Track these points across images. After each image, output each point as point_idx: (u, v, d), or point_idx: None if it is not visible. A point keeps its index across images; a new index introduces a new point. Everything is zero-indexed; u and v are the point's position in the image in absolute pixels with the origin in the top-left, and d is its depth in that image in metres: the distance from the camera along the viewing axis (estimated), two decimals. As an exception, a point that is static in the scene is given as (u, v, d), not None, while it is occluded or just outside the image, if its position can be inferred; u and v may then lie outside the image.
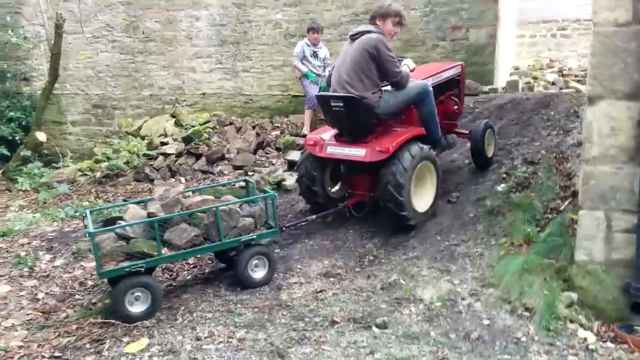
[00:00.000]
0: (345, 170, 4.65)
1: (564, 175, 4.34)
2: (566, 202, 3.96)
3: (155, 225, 3.27)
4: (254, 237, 3.63)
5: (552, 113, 5.69)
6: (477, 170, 4.97)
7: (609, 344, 2.87)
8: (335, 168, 4.69)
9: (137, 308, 3.25)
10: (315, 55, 7.03)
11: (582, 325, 3.02)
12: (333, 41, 8.03)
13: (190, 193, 3.93)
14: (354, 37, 4.22)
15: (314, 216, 4.38)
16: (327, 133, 4.53)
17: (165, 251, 3.35)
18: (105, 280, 3.59)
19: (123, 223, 3.40)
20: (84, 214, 3.55)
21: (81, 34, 9.13)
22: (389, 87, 4.33)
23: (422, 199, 4.31)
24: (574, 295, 3.15)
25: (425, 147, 4.22)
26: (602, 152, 2.99)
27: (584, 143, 3.12)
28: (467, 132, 5.03)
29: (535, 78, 9.22)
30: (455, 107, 5.01)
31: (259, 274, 3.66)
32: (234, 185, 4.48)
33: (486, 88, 7.16)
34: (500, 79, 7.99)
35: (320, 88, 6.95)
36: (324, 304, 3.36)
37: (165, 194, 3.63)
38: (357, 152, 4.17)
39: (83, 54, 9.37)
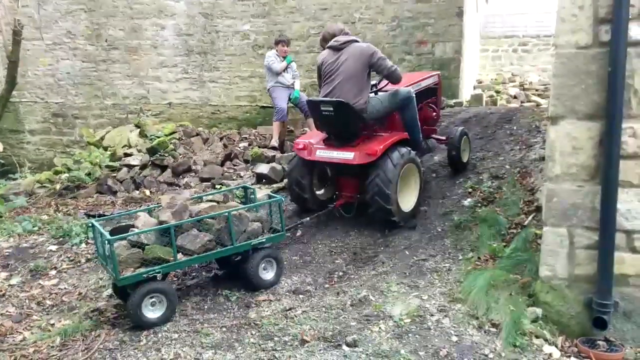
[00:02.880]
0: (333, 173, 4.84)
1: (527, 190, 4.46)
2: (530, 217, 4.06)
3: (171, 231, 3.36)
4: (264, 240, 3.76)
5: (514, 128, 5.86)
6: (444, 183, 5.06)
7: (572, 358, 2.93)
8: (323, 171, 4.88)
9: (153, 314, 3.31)
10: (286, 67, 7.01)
11: (546, 341, 3.07)
12: (302, 53, 8.06)
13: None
14: (339, 48, 4.42)
15: (308, 218, 4.54)
16: (315, 137, 4.71)
17: (180, 257, 3.43)
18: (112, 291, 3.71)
19: (136, 230, 3.42)
20: (91, 224, 3.54)
21: (40, 40, 8.84)
22: (373, 95, 4.61)
23: (407, 200, 4.51)
24: (539, 311, 3.20)
25: (409, 150, 4.43)
26: (564, 170, 3.07)
27: (546, 161, 3.20)
28: (444, 138, 5.29)
29: (498, 92, 9.52)
30: (434, 113, 5.33)
31: (268, 275, 3.79)
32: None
33: (451, 102, 7.32)
34: (465, 93, 8.19)
35: (289, 99, 6.94)
36: (293, 322, 3.31)
37: (173, 202, 3.65)
38: (346, 155, 4.36)
39: (42, 62, 9.07)
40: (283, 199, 4.00)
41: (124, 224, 3.66)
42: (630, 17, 2.78)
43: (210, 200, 3.93)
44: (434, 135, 5.29)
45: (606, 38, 2.85)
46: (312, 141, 4.64)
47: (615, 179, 2.91)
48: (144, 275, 3.25)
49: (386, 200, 4.22)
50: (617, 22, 2.78)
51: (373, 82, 4.65)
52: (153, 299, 3.31)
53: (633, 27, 2.80)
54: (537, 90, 9.92)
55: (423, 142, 4.84)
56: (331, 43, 4.50)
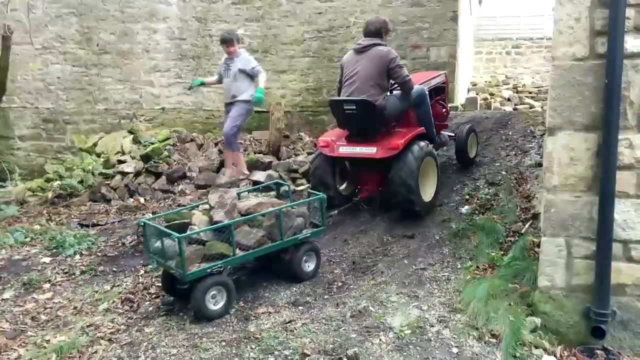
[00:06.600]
0: (354, 168, 5.08)
1: (523, 197, 4.48)
2: (527, 225, 4.08)
3: (231, 229, 3.58)
4: (309, 235, 3.97)
5: (509, 133, 5.89)
6: (442, 190, 5.09)
7: (571, 368, 2.95)
8: (344, 167, 5.14)
9: (215, 306, 3.51)
10: (227, 69, 6.08)
11: (545, 350, 3.09)
12: (297, 57, 8.04)
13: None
14: (361, 50, 4.71)
15: (336, 211, 4.83)
16: (336, 135, 4.95)
17: (237, 252, 3.63)
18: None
19: (195, 227, 3.63)
20: (143, 223, 3.71)
21: (30, 44, 8.73)
22: (389, 94, 4.87)
23: (426, 191, 4.76)
24: (538, 320, 3.22)
25: (428, 144, 4.69)
26: (562, 181, 3.08)
27: (544, 172, 3.22)
28: (452, 134, 5.60)
29: (492, 94, 9.56)
30: (443, 110, 5.67)
31: (309, 267, 4.00)
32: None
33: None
34: (460, 96, 8.21)
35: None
36: (293, 335, 3.28)
37: (223, 201, 3.82)
38: (368, 150, 4.63)
39: (33, 67, 8.95)
40: (325, 196, 4.14)
41: (177, 222, 3.81)
42: (625, 29, 2.79)
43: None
44: (443, 131, 5.54)
45: (602, 50, 2.87)
46: (333, 138, 4.89)
47: (612, 189, 2.93)
48: (208, 270, 3.46)
49: (409, 190, 4.46)
50: (612, 35, 2.80)
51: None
52: (214, 292, 3.49)
53: (629, 40, 2.82)
54: (530, 92, 9.98)
55: (437, 136, 5.14)
56: (354, 46, 4.85)
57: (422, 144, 4.65)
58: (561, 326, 3.16)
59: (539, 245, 3.33)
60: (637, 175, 2.93)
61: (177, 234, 3.40)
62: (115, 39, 8.78)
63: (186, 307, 3.74)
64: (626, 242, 3.01)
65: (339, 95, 5.02)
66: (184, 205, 5.31)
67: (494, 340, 3.12)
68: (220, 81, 6.25)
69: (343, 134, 4.94)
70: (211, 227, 3.63)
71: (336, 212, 4.85)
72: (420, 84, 5.14)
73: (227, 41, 5.96)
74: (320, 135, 5.33)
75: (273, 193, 4.37)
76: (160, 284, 4.03)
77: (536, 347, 3.10)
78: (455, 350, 3.07)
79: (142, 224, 3.73)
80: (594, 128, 2.97)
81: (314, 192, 4.32)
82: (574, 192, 3.07)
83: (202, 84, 6.50)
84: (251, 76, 5.95)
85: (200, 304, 3.44)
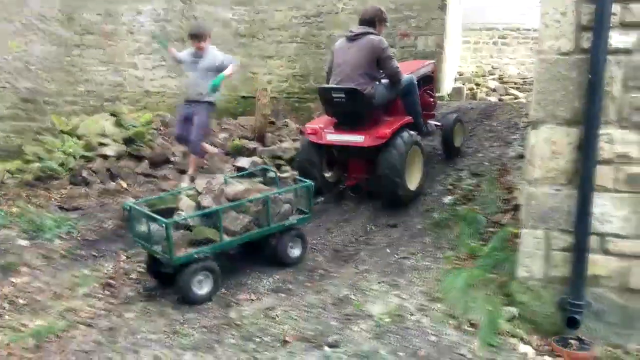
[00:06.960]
0: (341, 156, 5.10)
1: (505, 188, 4.54)
2: (507, 216, 4.13)
3: (219, 215, 3.59)
4: (295, 221, 4.00)
5: (494, 124, 5.94)
6: (427, 180, 5.11)
7: (546, 357, 3.01)
8: (331, 155, 5.15)
9: (202, 290, 3.53)
10: (195, 63, 5.56)
11: (522, 340, 3.15)
12: (284, 43, 7.95)
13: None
14: (353, 38, 4.71)
15: (322, 197, 4.93)
16: (323, 123, 4.97)
17: (224, 237, 3.64)
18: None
19: (184, 214, 3.68)
20: (128, 207, 3.70)
21: (10, 22, 8.49)
22: (377, 82, 4.82)
23: (412, 180, 4.81)
24: (515, 310, 3.28)
25: (414, 133, 4.75)
26: (543, 174, 3.12)
27: (526, 164, 3.25)
28: (439, 124, 5.62)
29: (478, 84, 9.61)
30: (431, 99, 5.69)
31: (295, 252, 4.04)
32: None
33: (433, 96, 7.32)
34: (446, 86, 8.21)
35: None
36: (274, 321, 3.30)
37: (210, 187, 3.84)
38: (356, 138, 4.68)
39: (13, 45, 8.70)
40: (313, 183, 4.16)
41: (162, 207, 3.88)
42: (611, 25, 2.81)
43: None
44: (430, 121, 5.56)
45: (587, 45, 2.89)
46: (321, 126, 4.91)
47: (591, 183, 2.97)
48: (195, 255, 3.48)
49: (396, 177, 4.52)
50: (598, 30, 2.81)
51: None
52: (200, 277, 3.51)
53: (614, 35, 2.84)
54: (515, 83, 10.06)
55: (424, 125, 5.17)
56: (346, 33, 4.84)
57: (410, 133, 4.71)
58: (537, 316, 3.22)
59: (518, 236, 3.38)
60: (616, 170, 2.98)
61: (164, 220, 3.39)
62: (99, 19, 8.57)
63: (168, 291, 3.73)
64: (603, 235, 3.07)
65: (327, 82, 5.02)
66: (167, 190, 5.27)
67: (471, 329, 3.18)
68: (179, 62, 5.79)
69: (331, 122, 4.96)
70: (199, 212, 3.64)
71: (322, 199, 4.89)
72: (410, 73, 5.16)
73: (198, 36, 5.36)
74: (307, 122, 5.33)
75: (259, 179, 4.36)
76: (140, 270, 4.02)
77: (513, 337, 3.16)
78: (433, 338, 3.11)
79: (128, 207, 3.70)
80: (576, 122, 3.01)
81: (301, 179, 4.33)
82: (554, 185, 3.11)
83: (166, 47, 5.97)
84: (220, 71, 5.43)
85: (187, 288, 3.45)
